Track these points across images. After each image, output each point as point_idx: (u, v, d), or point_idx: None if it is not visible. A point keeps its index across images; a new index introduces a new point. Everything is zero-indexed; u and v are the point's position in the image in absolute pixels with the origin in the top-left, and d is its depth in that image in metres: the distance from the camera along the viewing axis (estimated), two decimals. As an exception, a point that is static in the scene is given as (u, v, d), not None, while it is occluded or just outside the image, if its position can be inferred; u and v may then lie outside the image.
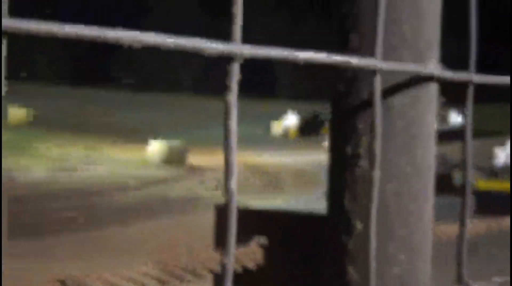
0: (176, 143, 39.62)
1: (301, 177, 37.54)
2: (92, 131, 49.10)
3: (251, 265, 1.20)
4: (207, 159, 39.15)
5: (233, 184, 0.75)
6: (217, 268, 1.12)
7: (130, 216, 24.07)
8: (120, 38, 0.65)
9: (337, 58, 0.88)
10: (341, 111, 1.11)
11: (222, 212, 1.27)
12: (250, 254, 1.20)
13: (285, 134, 66.45)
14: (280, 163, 40.38)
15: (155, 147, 38.91)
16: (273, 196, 30.43)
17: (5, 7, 0.58)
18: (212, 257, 0.97)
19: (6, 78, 0.61)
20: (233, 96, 0.74)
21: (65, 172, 33.50)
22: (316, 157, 44.69)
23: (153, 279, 1.15)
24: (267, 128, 66.66)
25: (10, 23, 0.60)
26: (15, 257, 15.95)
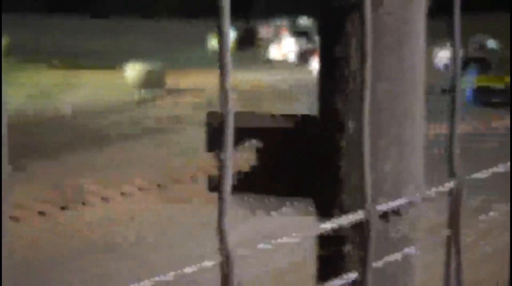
0: (153, 66, 39.42)
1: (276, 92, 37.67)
2: (69, 58, 48.86)
3: (244, 167, 1.20)
4: (184, 80, 39.11)
5: (228, 84, 0.75)
6: (212, 171, 1.12)
7: (111, 138, 24.14)
8: None
9: None
10: (329, 14, 1.11)
11: (214, 116, 1.28)
12: (244, 156, 1.20)
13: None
14: (253, 79, 40.30)
15: (133, 71, 38.67)
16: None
17: None
18: (206, 161, 0.98)
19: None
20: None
21: (45, 99, 33.42)
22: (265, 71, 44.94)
23: (150, 182, 1.14)
24: (203, 45, 67.84)
25: None
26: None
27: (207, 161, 1.24)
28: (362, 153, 0.99)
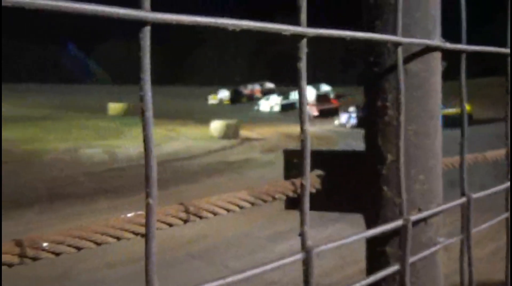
0: (231, 121, 39.65)
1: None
2: (171, 117, 49.49)
3: (312, 190, 1.21)
4: (253, 132, 39.33)
5: (306, 127, 0.76)
6: (289, 192, 1.14)
7: (201, 175, 24.25)
8: (198, 22, 0.62)
9: (374, 35, 0.90)
10: (372, 76, 1.13)
11: (289, 153, 1.29)
12: (311, 181, 1.21)
13: (220, 103, 77.52)
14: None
15: (216, 125, 38.98)
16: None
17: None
18: (285, 185, 0.97)
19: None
20: (303, 64, 0.74)
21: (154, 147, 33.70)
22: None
23: (245, 201, 1.11)
24: (204, 101, 77.70)
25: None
26: (120, 209, 16.29)
27: (281, 187, 1.25)
28: (398, 178, 1.00)
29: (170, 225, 1.01)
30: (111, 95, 66.08)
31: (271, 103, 69.52)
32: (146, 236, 0.65)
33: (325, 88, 71.11)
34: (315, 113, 54.25)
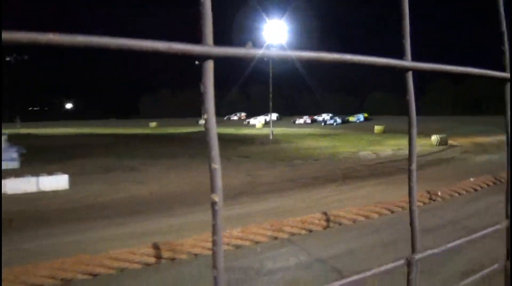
0: (443, 135, 41.21)
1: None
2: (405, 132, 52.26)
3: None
4: (456, 141, 40.82)
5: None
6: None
7: (425, 166, 24.56)
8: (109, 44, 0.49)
9: (484, 71, 0.90)
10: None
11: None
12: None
13: (253, 125, 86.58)
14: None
15: (434, 137, 40.59)
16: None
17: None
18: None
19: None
20: (410, 96, 0.67)
21: (398, 151, 34.48)
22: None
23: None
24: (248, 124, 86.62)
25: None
26: (385, 184, 18.97)
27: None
28: None
29: (433, 200, 1.13)
30: (375, 122, 73.71)
31: (259, 120, 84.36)
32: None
33: (275, 115, 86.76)
34: (309, 121, 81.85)
